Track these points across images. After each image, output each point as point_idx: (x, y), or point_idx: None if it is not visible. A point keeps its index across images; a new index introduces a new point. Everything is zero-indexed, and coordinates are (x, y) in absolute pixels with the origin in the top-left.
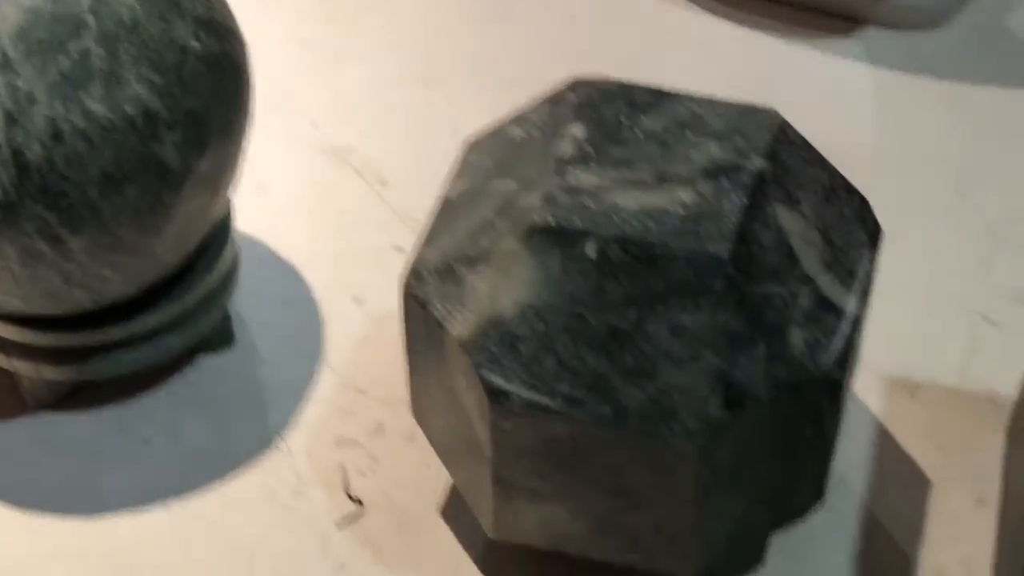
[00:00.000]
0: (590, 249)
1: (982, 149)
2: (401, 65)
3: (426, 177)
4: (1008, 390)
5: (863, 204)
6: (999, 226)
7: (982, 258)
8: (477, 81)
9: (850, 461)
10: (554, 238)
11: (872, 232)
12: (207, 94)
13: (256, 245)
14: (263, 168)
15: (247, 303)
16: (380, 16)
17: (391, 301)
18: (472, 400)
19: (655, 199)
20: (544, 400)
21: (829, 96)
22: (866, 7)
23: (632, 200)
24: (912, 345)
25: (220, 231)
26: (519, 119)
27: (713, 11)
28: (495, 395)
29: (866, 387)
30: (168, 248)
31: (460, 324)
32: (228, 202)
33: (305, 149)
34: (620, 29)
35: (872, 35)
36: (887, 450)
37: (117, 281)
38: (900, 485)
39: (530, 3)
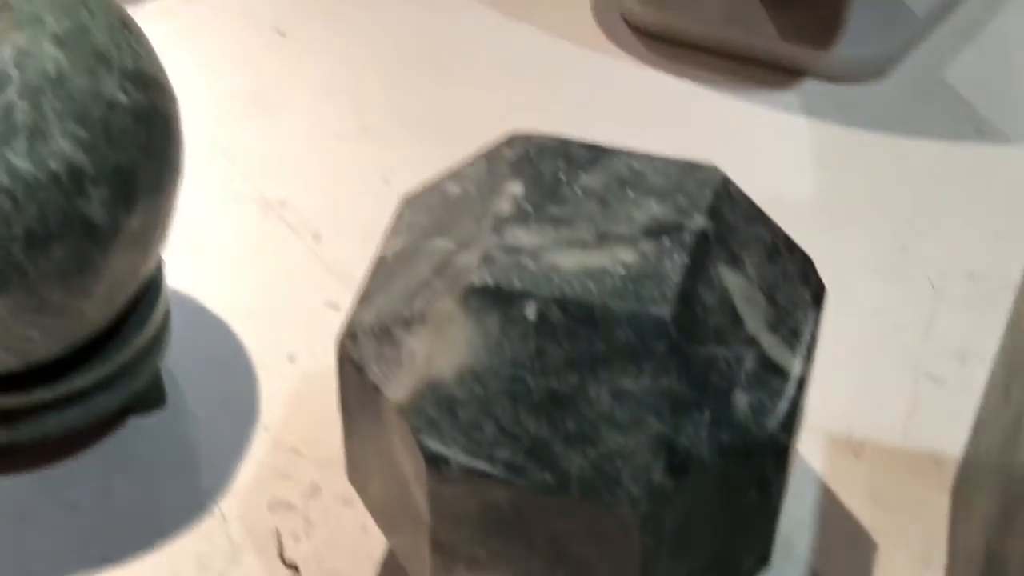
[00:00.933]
0: (529, 311)
1: (922, 202)
2: (335, 118)
3: (360, 232)
4: (952, 449)
5: (806, 262)
6: (941, 281)
7: (924, 315)
8: (412, 134)
9: (795, 523)
10: (492, 299)
11: (816, 291)
12: (135, 149)
13: (188, 302)
14: (194, 224)
15: (179, 362)
16: (314, 68)
17: (325, 358)
18: (409, 465)
19: (596, 259)
20: (483, 466)
21: (769, 150)
22: (805, 60)
23: (572, 260)
24: (855, 404)
25: (151, 288)
26: (456, 175)
27: (654, 64)
28: (433, 461)
29: (810, 447)
30: (97, 308)
31: (397, 388)
32: (159, 259)
33: (237, 204)
34: (559, 83)
35: (812, 87)
36: (832, 511)
37: (44, 342)
38: (845, 547)
39: (467, 55)
